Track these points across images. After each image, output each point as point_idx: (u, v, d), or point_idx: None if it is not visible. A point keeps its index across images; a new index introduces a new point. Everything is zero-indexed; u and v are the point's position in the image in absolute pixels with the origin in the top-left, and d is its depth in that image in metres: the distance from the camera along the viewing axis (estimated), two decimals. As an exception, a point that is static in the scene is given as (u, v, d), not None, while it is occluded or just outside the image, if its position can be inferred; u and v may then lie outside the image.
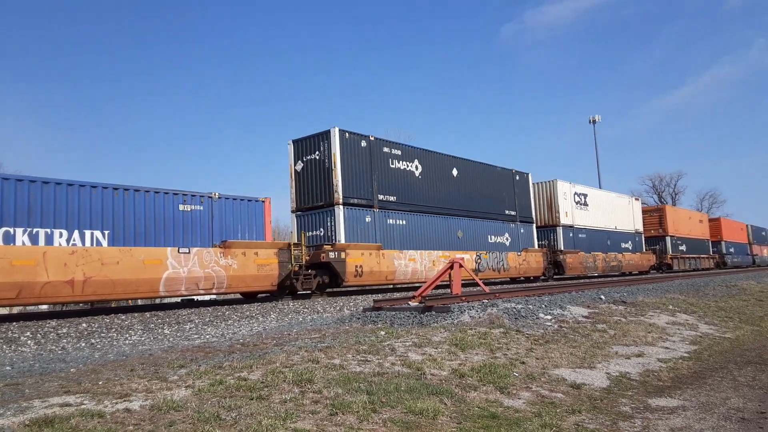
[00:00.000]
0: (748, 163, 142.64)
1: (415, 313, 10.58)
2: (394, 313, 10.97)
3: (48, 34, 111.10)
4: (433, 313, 10.48)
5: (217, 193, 16.55)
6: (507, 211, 28.97)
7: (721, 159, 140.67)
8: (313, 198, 20.81)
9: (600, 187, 49.02)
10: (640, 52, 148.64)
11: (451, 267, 13.84)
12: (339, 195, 19.90)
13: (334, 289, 21.12)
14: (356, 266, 19.44)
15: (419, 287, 13.63)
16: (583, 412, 5.56)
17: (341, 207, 19.81)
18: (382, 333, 8.77)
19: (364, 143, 21.38)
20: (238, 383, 5.47)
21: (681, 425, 5.34)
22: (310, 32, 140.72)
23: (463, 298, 12.21)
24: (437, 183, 24.69)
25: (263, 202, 17.73)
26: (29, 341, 9.92)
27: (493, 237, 27.36)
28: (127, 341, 10.23)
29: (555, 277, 31.81)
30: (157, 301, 21.44)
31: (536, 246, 30.85)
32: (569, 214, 33.39)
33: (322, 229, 20.22)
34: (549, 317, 10.52)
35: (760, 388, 7.03)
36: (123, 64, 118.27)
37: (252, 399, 5.03)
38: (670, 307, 13.89)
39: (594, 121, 57.73)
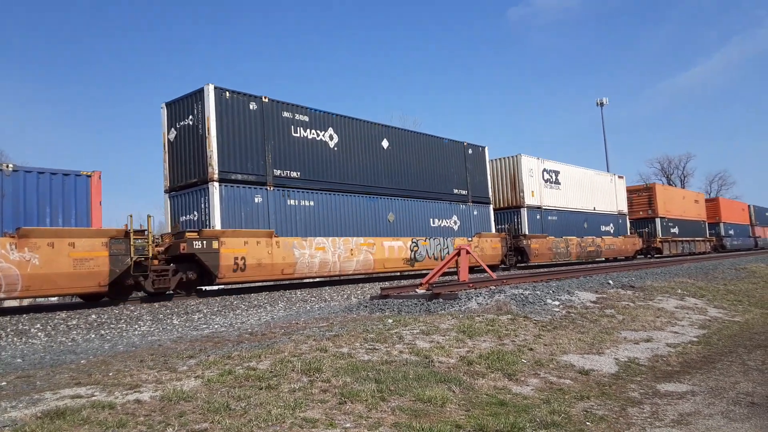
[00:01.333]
0: (757, 145, 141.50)
1: (423, 301, 10.59)
2: (401, 300, 10.99)
3: None
4: (441, 300, 10.49)
5: (10, 165, 12.96)
6: (456, 191, 25.17)
7: (731, 141, 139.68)
8: (186, 174, 17.06)
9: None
10: (648, 34, 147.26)
11: (458, 254, 13.83)
12: (213, 169, 15.96)
13: (208, 288, 17.34)
14: (236, 258, 15.61)
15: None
16: (591, 398, 5.56)
17: (216, 184, 15.94)
18: (390, 321, 8.79)
19: (253, 105, 17.33)
20: (247, 373, 5.50)
21: (690, 410, 5.32)
22: (312, 14, 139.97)
23: (471, 285, 12.21)
24: (360, 156, 20.73)
25: (88, 177, 13.98)
26: (39, 333, 10.00)
27: (436, 220, 23.69)
28: (136, 332, 10.30)
29: (519, 265, 28.27)
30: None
31: (493, 230, 27.16)
32: (536, 193, 29.82)
33: (195, 213, 16.49)
34: (557, 303, 10.50)
35: (770, 371, 6.99)
36: None
37: (261, 389, 5.06)
38: (679, 291, 13.84)
39: (601, 104, 57.33)
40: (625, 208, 39.23)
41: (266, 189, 17.28)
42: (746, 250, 56.59)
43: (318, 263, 18.04)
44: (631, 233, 39.16)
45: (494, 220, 27.44)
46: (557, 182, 31.64)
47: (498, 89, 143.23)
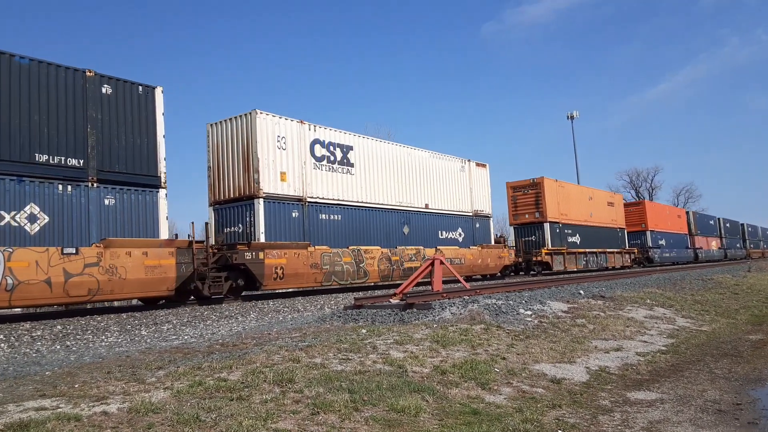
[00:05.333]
0: (723, 159, 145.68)
1: (397, 311, 10.57)
2: (375, 311, 10.94)
3: None
4: (415, 310, 10.48)
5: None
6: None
7: (698, 154, 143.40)
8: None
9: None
10: (617, 50, 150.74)
11: (432, 264, 13.87)
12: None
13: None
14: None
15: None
16: (563, 406, 5.60)
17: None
18: (364, 331, 8.74)
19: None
20: (217, 384, 5.40)
21: (659, 418, 5.40)
22: (293, 30, 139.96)
23: (444, 295, 12.23)
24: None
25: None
26: (2, 344, 9.70)
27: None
28: (103, 343, 10.06)
29: (224, 297, 17.17)
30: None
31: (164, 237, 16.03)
32: (296, 177, 19.05)
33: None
34: (529, 313, 10.58)
35: (736, 380, 7.15)
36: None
37: (232, 400, 4.98)
38: (648, 301, 14.07)
39: (572, 117, 58.17)
40: (487, 208, 28.73)
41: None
42: (683, 263, 49.18)
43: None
44: (497, 241, 29.25)
45: (214, 219, 19.28)
46: (346, 163, 21.04)
47: (470, 102, 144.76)
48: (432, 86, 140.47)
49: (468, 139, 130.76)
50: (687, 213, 57.00)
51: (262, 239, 17.59)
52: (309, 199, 19.48)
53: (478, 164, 28.88)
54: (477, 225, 27.94)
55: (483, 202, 28.69)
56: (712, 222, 63.14)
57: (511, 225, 34.99)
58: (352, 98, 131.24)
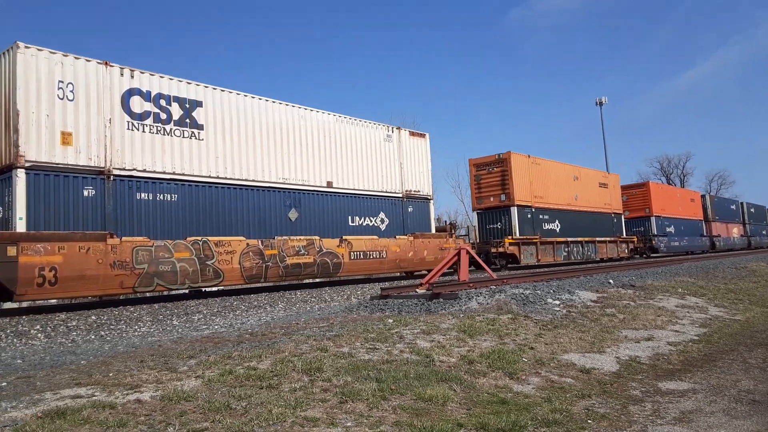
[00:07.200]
0: (757, 144, 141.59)
1: (423, 301, 10.58)
2: (401, 300, 10.98)
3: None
4: (441, 300, 10.48)
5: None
6: None
7: (730, 140, 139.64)
8: None
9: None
10: (647, 36, 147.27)
11: (458, 254, 13.84)
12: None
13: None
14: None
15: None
16: (593, 396, 5.55)
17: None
18: (390, 321, 8.77)
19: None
20: (247, 373, 5.48)
21: (691, 408, 5.31)
22: (311, 20, 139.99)
23: (471, 285, 12.20)
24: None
25: None
26: (39, 334, 9.98)
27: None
28: (136, 333, 10.29)
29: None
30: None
31: None
32: (101, 142, 13.38)
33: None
34: (557, 302, 10.49)
35: (771, 369, 6.99)
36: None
37: (262, 388, 5.05)
38: (680, 290, 13.83)
39: (601, 103, 57.10)
40: (425, 188, 22.73)
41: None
42: (699, 253, 43.71)
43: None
44: (440, 230, 23.48)
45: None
46: (190, 125, 15.17)
47: (497, 90, 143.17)
48: (457, 75, 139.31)
49: (492, 125, 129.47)
50: (703, 196, 50.11)
51: (21, 228, 11.83)
52: (117, 172, 13.52)
53: (412, 133, 22.73)
54: (410, 209, 21.84)
55: (419, 181, 22.50)
56: (733, 207, 56.36)
57: (474, 210, 29.06)
58: (374, 89, 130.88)
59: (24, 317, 11.39)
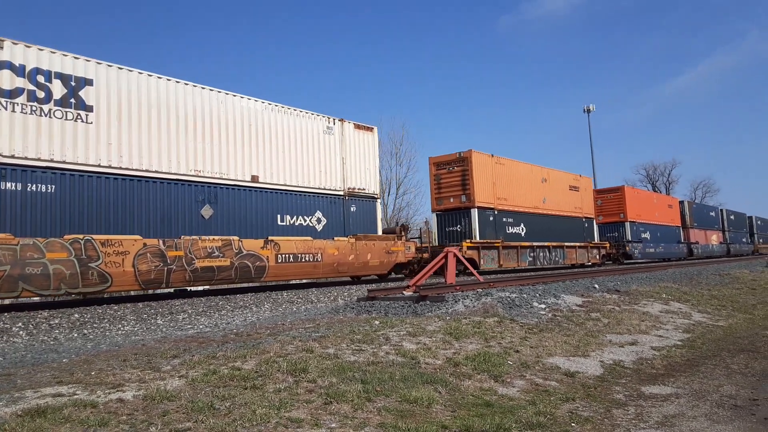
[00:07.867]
0: (743, 153, 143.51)
1: (410, 303, 10.58)
2: (388, 302, 10.97)
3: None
4: (428, 302, 10.49)
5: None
6: None
7: (716, 149, 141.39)
8: None
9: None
10: (635, 43, 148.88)
11: (446, 257, 13.86)
12: None
13: None
14: None
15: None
16: (577, 399, 5.58)
17: None
18: (377, 322, 8.76)
19: None
20: (231, 373, 5.45)
21: (674, 412, 5.36)
22: (305, 26, 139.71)
23: (457, 288, 12.22)
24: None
25: None
26: (21, 332, 9.86)
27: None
28: (119, 331, 10.18)
29: None
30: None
31: None
32: None
33: None
34: (543, 306, 10.54)
35: (753, 375, 7.07)
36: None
37: (246, 388, 5.02)
38: (664, 295, 13.95)
39: (588, 111, 57.73)
40: (371, 186, 20.83)
41: None
42: (675, 260, 42.96)
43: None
44: (389, 232, 21.96)
45: None
46: (76, 106, 13.12)
47: (487, 96, 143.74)
48: (447, 79, 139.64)
49: (483, 131, 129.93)
50: (681, 203, 49.49)
51: None
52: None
53: (358, 126, 20.63)
54: (352, 209, 19.94)
55: (365, 179, 20.59)
56: (713, 213, 55.63)
57: (433, 212, 27.54)
58: (363, 93, 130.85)
59: (6, 314, 11.25)
